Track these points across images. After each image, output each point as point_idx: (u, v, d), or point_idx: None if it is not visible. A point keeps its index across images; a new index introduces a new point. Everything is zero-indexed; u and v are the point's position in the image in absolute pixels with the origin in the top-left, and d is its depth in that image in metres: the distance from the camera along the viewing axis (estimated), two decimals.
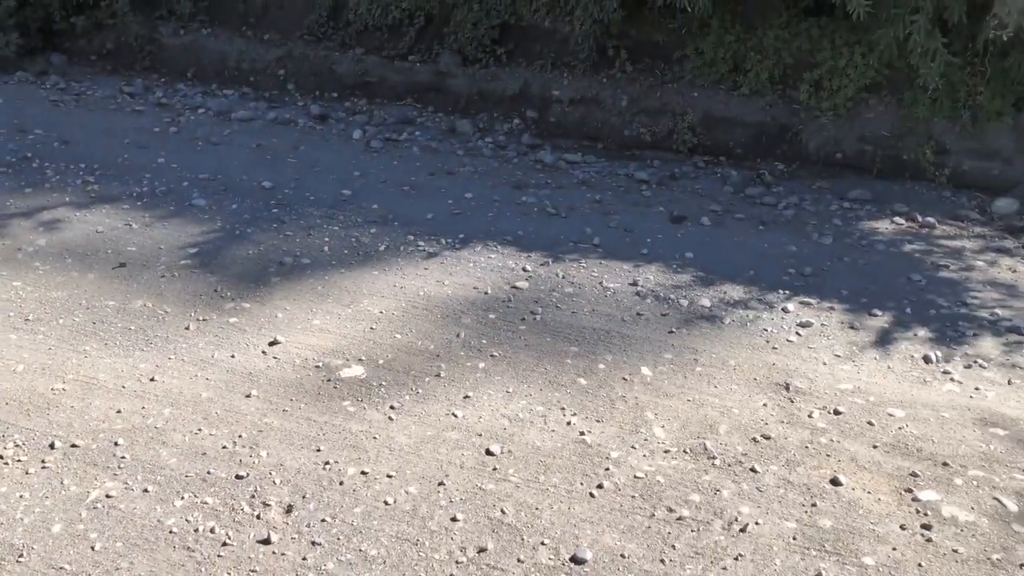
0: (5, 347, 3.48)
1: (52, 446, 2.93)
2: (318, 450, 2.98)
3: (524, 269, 4.35)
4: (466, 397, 3.31)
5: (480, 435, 3.08)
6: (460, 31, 6.95)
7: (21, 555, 2.48)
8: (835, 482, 2.90)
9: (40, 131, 5.82)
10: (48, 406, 3.14)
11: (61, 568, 2.45)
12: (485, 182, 5.57)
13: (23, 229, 4.46)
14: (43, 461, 2.86)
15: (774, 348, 3.74)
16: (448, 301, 4.03)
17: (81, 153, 5.50)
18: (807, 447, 3.08)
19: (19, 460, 2.86)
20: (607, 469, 2.93)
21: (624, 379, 3.46)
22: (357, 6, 7.18)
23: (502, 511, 2.72)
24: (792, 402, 3.35)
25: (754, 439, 3.11)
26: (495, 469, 2.91)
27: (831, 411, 3.30)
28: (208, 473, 2.84)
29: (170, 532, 2.59)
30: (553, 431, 3.12)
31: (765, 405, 3.32)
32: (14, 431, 3.00)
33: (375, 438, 3.05)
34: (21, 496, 2.70)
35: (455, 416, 3.19)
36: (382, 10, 7.13)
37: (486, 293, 4.11)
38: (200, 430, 3.05)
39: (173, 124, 6.23)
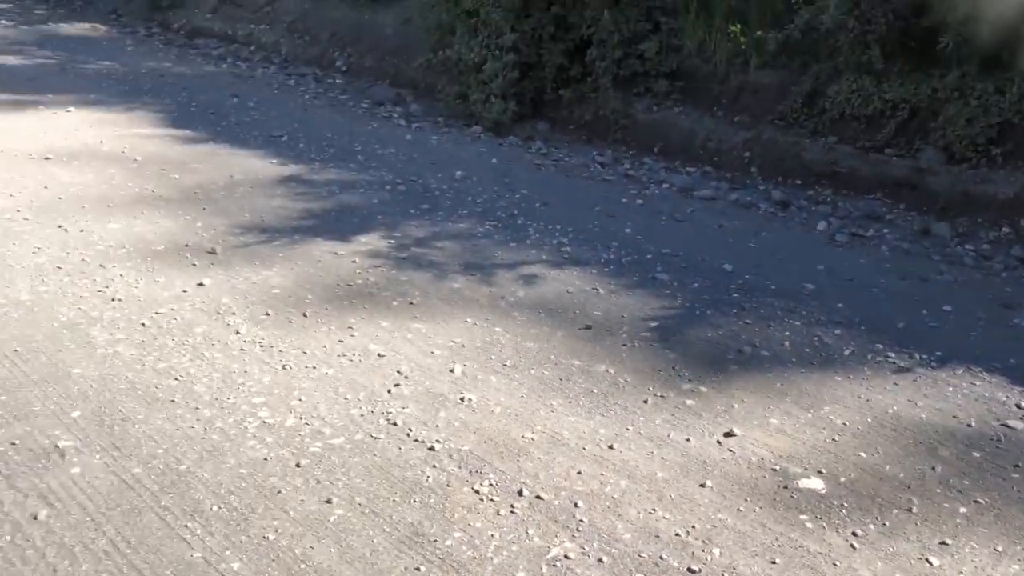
0: (486, 388, 3.81)
1: (520, 493, 3.11)
2: (773, 562, 2.80)
3: (1018, 406, 3.78)
4: (943, 544, 2.91)
5: None
6: (950, 127, 6.40)
7: None
8: None
9: (525, 191, 6.43)
10: (519, 453, 3.35)
11: None
12: (966, 295, 5.00)
13: (506, 280, 4.90)
14: (512, 506, 3.04)
15: None
16: (921, 426, 3.62)
17: (557, 215, 5.96)
18: None
19: (492, 499, 3.08)
20: None
21: None
22: (836, 94, 6.97)
23: None
24: None
25: None
26: None
27: None
28: (660, 558, 2.80)
29: None
30: None
31: None
32: (489, 470, 3.24)
33: (836, 565, 2.79)
34: (492, 535, 2.89)
35: (929, 563, 2.81)
36: (863, 100, 6.83)
37: (969, 426, 3.62)
38: (654, 510, 3.04)
39: (639, 196, 6.51)
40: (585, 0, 8.11)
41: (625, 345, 4.24)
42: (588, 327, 4.40)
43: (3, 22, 11.83)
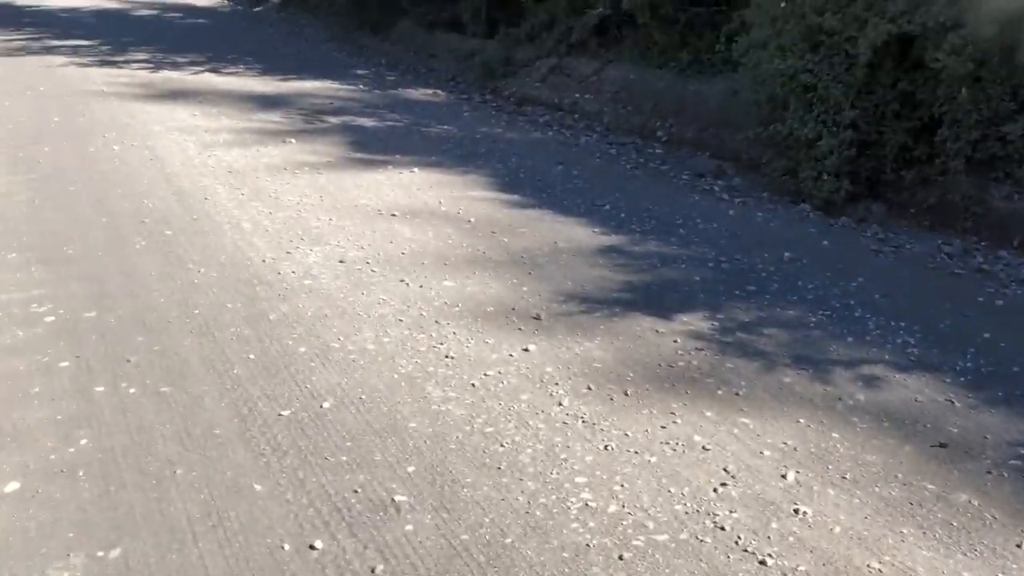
0: (824, 502, 3.45)
1: None
2: None
3: None
4: None
5: None
6: None
7: None
8: None
9: (861, 279, 5.93)
10: None
11: None
12: None
13: (843, 379, 4.49)
14: None
15: None
16: None
17: (900, 309, 5.41)
18: None
19: None
20: None
21: None
22: None
23: None
24: None
25: None
26: None
27: None
28: None
29: None
30: None
31: None
32: None
33: None
34: None
35: None
36: None
37: None
38: None
39: (997, 296, 5.76)
40: (940, 76, 7.46)
41: (990, 473, 3.67)
42: (942, 445, 3.88)
43: (361, 87, 13.23)
